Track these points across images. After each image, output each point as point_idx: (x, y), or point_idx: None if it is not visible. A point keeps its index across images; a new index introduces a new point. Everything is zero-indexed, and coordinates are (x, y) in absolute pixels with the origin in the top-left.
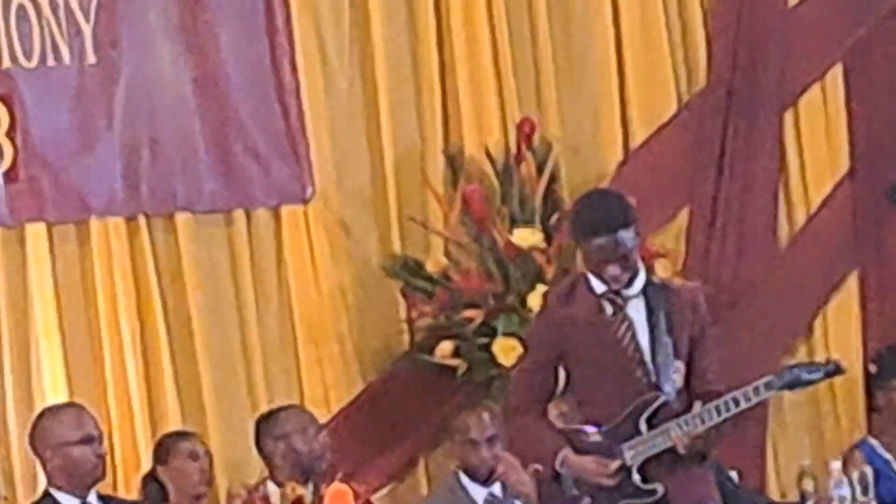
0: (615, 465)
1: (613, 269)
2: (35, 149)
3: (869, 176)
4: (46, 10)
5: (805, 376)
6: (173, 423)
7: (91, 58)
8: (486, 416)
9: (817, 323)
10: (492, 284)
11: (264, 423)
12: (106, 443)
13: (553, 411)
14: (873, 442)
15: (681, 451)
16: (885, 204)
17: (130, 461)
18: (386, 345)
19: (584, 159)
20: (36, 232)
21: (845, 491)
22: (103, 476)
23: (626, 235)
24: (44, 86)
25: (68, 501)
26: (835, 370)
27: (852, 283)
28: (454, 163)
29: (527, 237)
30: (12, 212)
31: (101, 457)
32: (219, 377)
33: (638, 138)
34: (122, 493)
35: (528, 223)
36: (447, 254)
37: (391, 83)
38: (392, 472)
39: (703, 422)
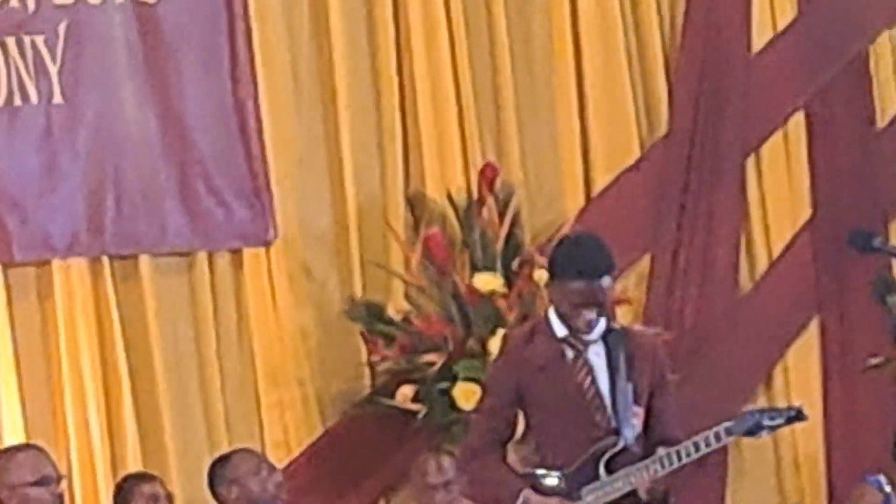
0: None
1: (589, 314)
2: (1, 188)
3: (830, 222)
4: (14, 51)
5: (767, 422)
6: (134, 465)
7: (58, 98)
8: (444, 460)
9: (778, 369)
10: (452, 329)
11: (218, 468)
12: (64, 484)
13: (512, 455)
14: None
15: (642, 495)
16: (846, 251)
17: (91, 503)
18: (347, 388)
19: (546, 204)
20: None
21: None
22: None
23: (606, 283)
24: (10, 125)
25: None
26: (797, 416)
27: (813, 328)
28: (415, 207)
29: (488, 282)
30: None
31: (59, 497)
32: (180, 419)
33: (599, 183)
34: None
35: (490, 268)
36: (408, 298)
37: (354, 126)
38: None
39: (663, 466)
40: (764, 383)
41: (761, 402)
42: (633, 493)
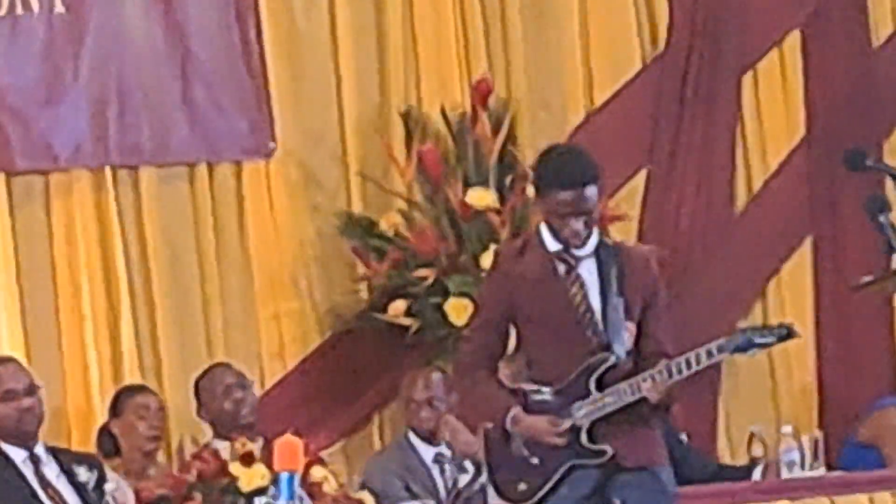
0: (566, 424)
1: (576, 224)
2: (3, 98)
3: (824, 142)
4: None
5: (757, 340)
6: (131, 377)
7: (59, 7)
8: (431, 376)
9: (771, 287)
10: (445, 244)
11: (199, 382)
12: (40, 394)
13: (504, 371)
14: None
15: (650, 397)
16: (840, 170)
17: (87, 414)
18: (344, 302)
19: (547, 118)
20: None
21: (794, 456)
22: (37, 427)
23: (592, 192)
24: (12, 35)
25: (15, 453)
26: (787, 334)
27: (807, 246)
28: (409, 122)
29: (481, 197)
30: None
31: (28, 410)
32: (178, 331)
33: (600, 99)
34: (76, 446)
35: (483, 183)
36: (401, 213)
37: (355, 41)
38: (345, 429)
39: (654, 383)
40: (758, 301)
41: (755, 320)
42: (622, 410)
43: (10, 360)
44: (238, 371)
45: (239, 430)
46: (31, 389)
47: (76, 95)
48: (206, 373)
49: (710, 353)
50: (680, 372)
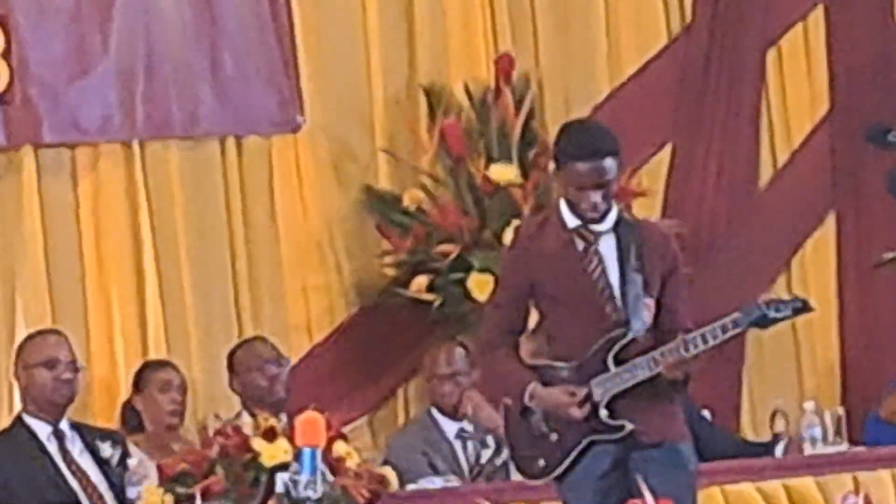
0: (583, 393)
1: (595, 196)
2: (31, 71)
3: (848, 117)
4: None
5: (773, 314)
6: (156, 352)
7: None
8: (454, 351)
9: (795, 262)
10: (468, 220)
11: (232, 355)
12: (78, 373)
13: (525, 347)
14: None
15: (669, 374)
16: (863, 145)
17: (112, 388)
18: (369, 277)
19: (571, 93)
20: (25, 155)
21: (817, 432)
22: (68, 403)
23: (610, 164)
24: (40, 8)
25: (40, 427)
26: (802, 307)
27: (830, 222)
28: (432, 97)
29: (504, 173)
30: (8, 133)
31: (65, 382)
32: (204, 306)
33: (626, 74)
34: (101, 421)
35: (506, 159)
36: (424, 188)
37: (383, 15)
38: (370, 404)
39: (670, 358)
40: (781, 276)
41: (779, 295)
42: (641, 385)
43: (58, 332)
44: (275, 348)
45: (269, 406)
46: (74, 366)
47: (104, 69)
48: (243, 344)
49: (725, 328)
50: (696, 347)
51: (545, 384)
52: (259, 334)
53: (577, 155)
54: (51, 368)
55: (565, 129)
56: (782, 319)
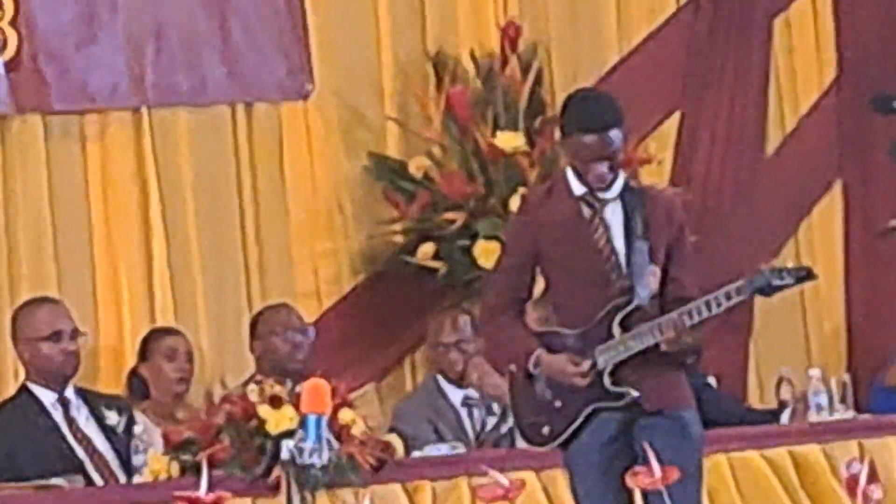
0: (588, 363)
1: (601, 168)
2: (39, 38)
3: (855, 85)
4: None
5: (776, 281)
6: (165, 318)
7: None
8: (459, 318)
9: (801, 230)
10: (474, 187)
11: (256, 319)
12: (83, 340)
13: (531, 315)
14: None
15: (664, 348)
16: (870, 113)
17: (119, 355)
18: (377, 244)
19: (579, 60)
20: (34, 122)
21: (822, 399)
22: (74, 372)
23: (615, 135)
24: None
25: (45, 395)
26: (806, 275)
27: (836, 190)
28: (438, 65)
29: (510, 140)
30: (16, 100)
31: (72, 353)
32: (213, 273)
33: (635, 41)
34: (107, 387)
35: (512, 126)
36: (430, 156)
37: None
38: (378, 371)
39: (675, 326)
40: (788, 243)
41: (786, 263)
42: (646, 353)
43: (56, 301)
44: (301, 317)
45: (286, 373)
46: (76, 334)
47: (113, 36)
48: (270, 308)
49: (728, 296)
50: (700, 314)
51: (550, 351)
52: (285, 301)
53: (581, 127)
54: (56, 341)
55: (570, 101)
56: (785, 287)
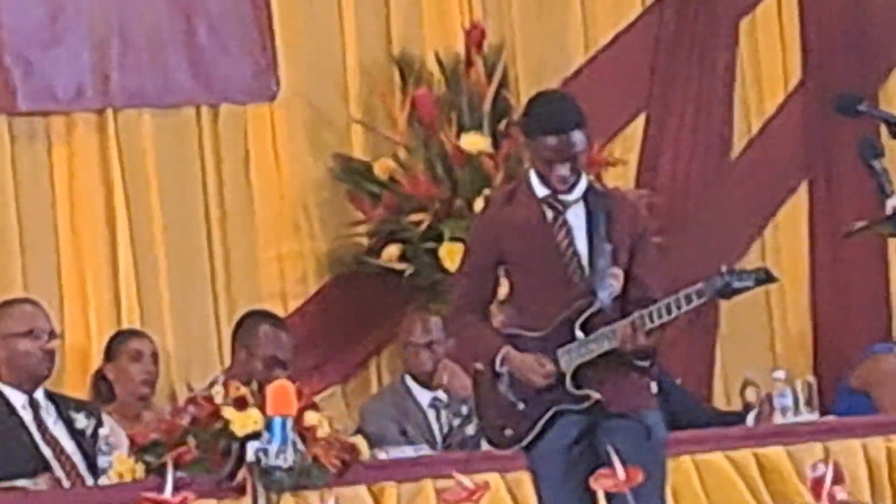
0: (551, 367)
1: (562, 170)
2: (5, 40)
3: (821, 87)
4: None
5: (736, 284)
6: (131, 320)
7: None
8: (429, 320)
9: (768, 231)
10: (439, 189)
11: (238, 324)
12: (57, 342)
13: (495, 317)
14: None
15: (625, 347)
16: (835, 115)
17: (85, 357)
18: (342, 245)
19: (545, 62)
20: None
21: (788, 401)
22: (49, 373)
23: (578, 137)
24: None
25: (15, 397)
26: (766, 278)
27: (802, 191)
28: (403, 67)
29: (475, 142)
30: None
31: (49, 353)
32: (179, 273)
33: (597, 43)
34: (74, 389)
35: (477, 128)
36: (395, 158)
37: None
38: (344, 373)
39: (635, 329)
40: (754, 245)
41: (752, 265)
42: (609, 355)
43: (35, 302)
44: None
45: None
46: (53, 335)
47: (78, 37)
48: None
49: (689, 298)
50: (661, 317)
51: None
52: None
53: (544, 129)
54: (34, 339)
55: (532, 103)
56: (745, 290)
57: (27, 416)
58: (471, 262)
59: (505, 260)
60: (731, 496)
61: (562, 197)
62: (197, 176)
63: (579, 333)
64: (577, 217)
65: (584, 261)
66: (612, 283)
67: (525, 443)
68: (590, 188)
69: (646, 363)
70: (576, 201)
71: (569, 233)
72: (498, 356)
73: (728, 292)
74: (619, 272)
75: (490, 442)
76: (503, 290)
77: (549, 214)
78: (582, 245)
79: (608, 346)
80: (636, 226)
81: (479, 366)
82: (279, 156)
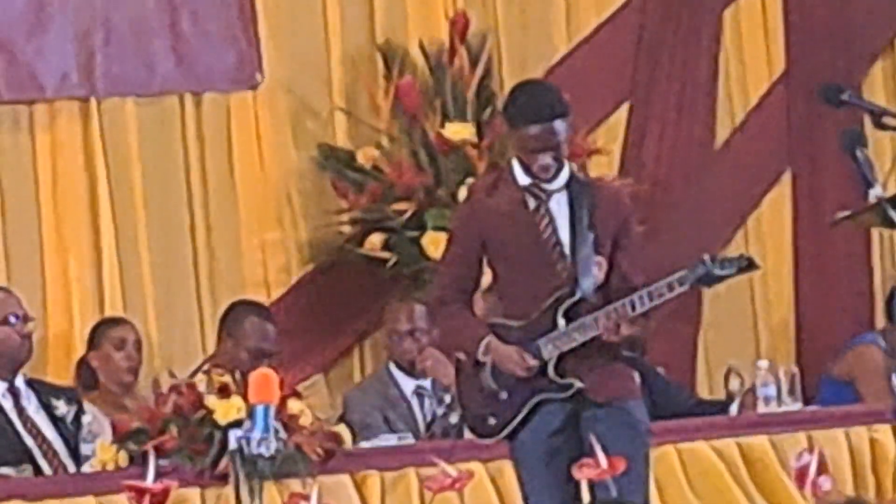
0: (533, 361)
1: (545, 159)
2: None
3: (804, 77)
4: None
5: (718, 272)
6: (114, 308)
7: None
8: (414, 308)
9: (751, 220)
10: (423, 178)
11: (225, 314)
12: (32, 325)
13: (478, 305)
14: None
15: (605, 338)
16: (819, 105)
17: (68, 345)
18: (325, 234)
19: (528, 51)
20: None
21: (771, 391)
22: (28, 358)
23: (561, 126)
24: None
25: None
26: (748, 265)
27: (786, 181)
28: (387, 56)
29: (459, 131)
30: None
31: (25, 336)
32: (162, 262)
33: (581, 32)
34: (56, 377)
35: (461, 117)
36: (379, 146)
37: None
38: (327, 361)
39: (617, 316)
40: (738, 234)
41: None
42: (591, 344)
43: (6, 289)
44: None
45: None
46: (26, 318)
47: (62, 26)
48: (235, 308)
49: (670, 286)
50: (643, 304)
51: (500, 340)
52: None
53: (526, 119)
54: (11, 325)
55: (514, 92)
56: (727, 277)
57: (7, 403)
58: (454, 250)
59: (488, 249)
60: (714, 485)
61: (544, 185)
62: (180, 164)
63: (562, 322)
64: (559, 206)
65: (567, 249)
66: (594, 272)
67: (507, 431)
68: (572, 177)
69: (633, 353)
70: (559, 190)
71: (551, 221)
72: (481, 346)
73: (710, 280)
74: (602, 261)
75: (473, 431)
76: (486, 278)
77: (532, 203)
78: (564, 234)
79: (590, 334)
80: (619, 214)
81: (461, 356)
82: (262, 144)
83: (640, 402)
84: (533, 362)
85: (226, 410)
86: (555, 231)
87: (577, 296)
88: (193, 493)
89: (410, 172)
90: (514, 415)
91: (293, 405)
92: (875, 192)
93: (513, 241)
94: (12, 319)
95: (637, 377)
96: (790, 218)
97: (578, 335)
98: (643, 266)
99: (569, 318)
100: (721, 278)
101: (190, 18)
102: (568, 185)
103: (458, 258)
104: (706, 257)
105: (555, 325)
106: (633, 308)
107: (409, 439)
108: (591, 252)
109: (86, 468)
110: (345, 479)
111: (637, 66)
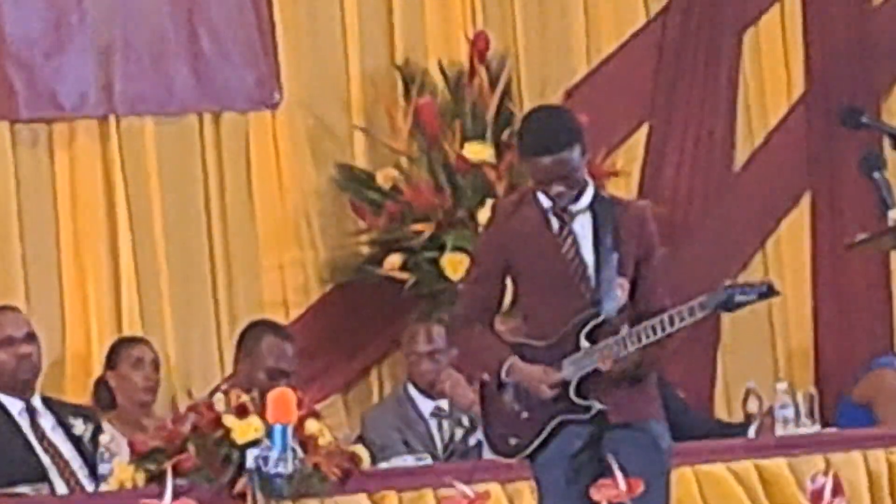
0: (557, 376)
1: (557, 188)
2: (8, 47)
3: (823, 99)
4: None
5: (739, 297)
6: (132, 327)
7: None
8: (433, 329)
9: (770, 243)
10: (442, 198)
11: (242, 335)
12: (34, 346)
13: (501, 326)
14: None
15: (603, 369)
16: (838, 127)
17: (86, 365)
18: (344, 254)
19: (548, 72)
20: (1, 131)
21: (789, 412)
22: (34, 377)
23: (570, 155)
24: None
25: (12, 404)
26: (768, 291)
27: (805, 203)
28: (406, 76)
29: (478, 152)
30: None
31: (25, 357)
32: (180, 281)
33: (601, 53)
34: (74, 397)
35: (480, 138)
36: (398, 167)
37: None
38: (345, 381)
39: (639, 340)
40: (756, 257)
41: (754, 277)
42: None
43: (9, 308)
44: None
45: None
46: (30, 338)
47: (81, 44)
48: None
49: (692, 311)
50: (664, 329)
51: (523, 360)
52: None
53: (535, 150)
54: (8, 346)
55: (524, 121)
56: (748, 303)
57: (24, 422)
58: (477, 271)
59: (512, 270)
60: None
61: (568, 207)
62: (199, 184)
63: (584, 343)
64: (583, 227)
65: (591, 271)
66: (617, 294)
67: (529, 452)
68: (597, 197)
69: (642, 374)
70: (583, 211)
71: (575, 242)
72: (504, 366)
73: (731, 306)
74: (625, 282)
75: (495, 451)
76: (508, 299)
77: (556, 224)
78: (588, 255)
79: (615, 356)
80: (643, 236)
81: (485, 377)
82: (281, 164)
83: (663, 423)
84: (558, 377)
85: (244, 430)
86: (578, 253)
87: (601, 318)
88: None
89: (429, 193)
90: (536, 435)
91: (311, 425)
92: (893, 215)
93: (537, 262)
94: (12, 340)
95: (659, 398)
96: (809, 240)
97: (599, 357)
98: (665, 287)
99: (591, 339)
100: (741, 304)
101: (209, 38)
102: (592, 206)
103: (480, 279)
104: (727, 283)
105: (578, 347)
106: (654, 332)
107: (427, 460)
108: (615, 274)
109: (103, 487)
110: (362, 499)
111: (656, 87)
